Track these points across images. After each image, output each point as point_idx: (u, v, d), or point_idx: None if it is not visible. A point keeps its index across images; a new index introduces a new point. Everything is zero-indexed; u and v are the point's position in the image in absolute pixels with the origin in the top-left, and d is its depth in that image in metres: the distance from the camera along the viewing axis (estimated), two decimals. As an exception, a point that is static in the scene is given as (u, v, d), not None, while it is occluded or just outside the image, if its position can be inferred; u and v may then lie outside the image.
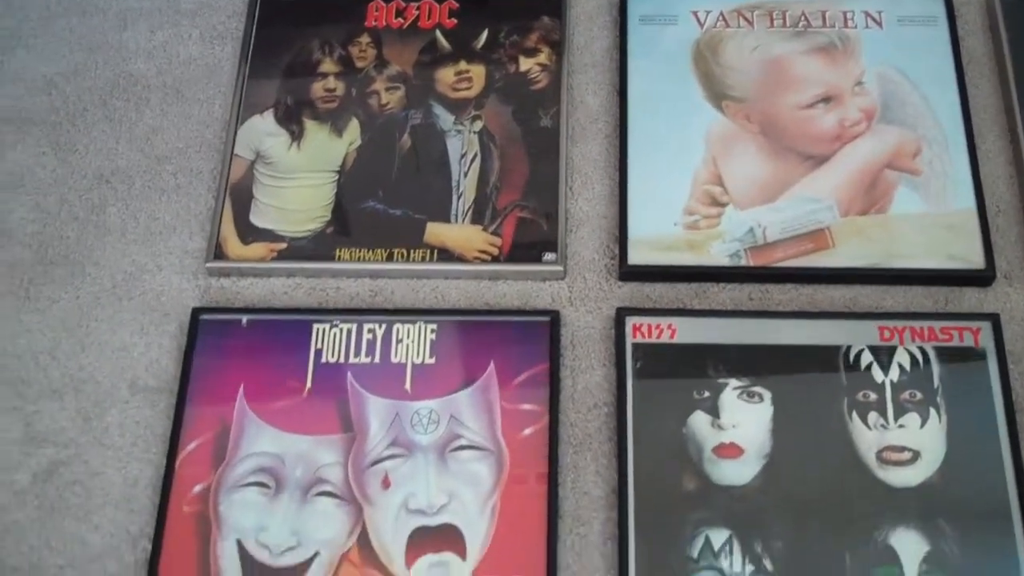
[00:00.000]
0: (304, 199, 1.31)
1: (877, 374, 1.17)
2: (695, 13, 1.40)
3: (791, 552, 1.10)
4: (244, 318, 1.25)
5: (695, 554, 1.10)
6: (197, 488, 1.16)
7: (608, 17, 1.43)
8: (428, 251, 1.28)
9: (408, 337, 1.23)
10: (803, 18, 1.38)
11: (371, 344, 1.22)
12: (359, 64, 1.39)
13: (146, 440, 1.20)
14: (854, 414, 1.16)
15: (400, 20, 1.42)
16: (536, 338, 1.22)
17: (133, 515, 1.17)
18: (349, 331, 1.24)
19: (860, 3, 1.39)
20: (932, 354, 1.19)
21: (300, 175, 1.33)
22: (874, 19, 1.38)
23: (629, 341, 1.21)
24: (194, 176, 1.36)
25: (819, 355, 1.19)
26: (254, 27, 1.43)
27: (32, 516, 1.17)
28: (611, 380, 1.21)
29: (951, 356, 1.18)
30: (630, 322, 1.22)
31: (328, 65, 1.39)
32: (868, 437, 1.15)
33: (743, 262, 1.24)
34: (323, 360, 1.22)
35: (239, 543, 1.14)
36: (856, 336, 1.20)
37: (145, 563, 1.14)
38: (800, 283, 1.25)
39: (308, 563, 1.12)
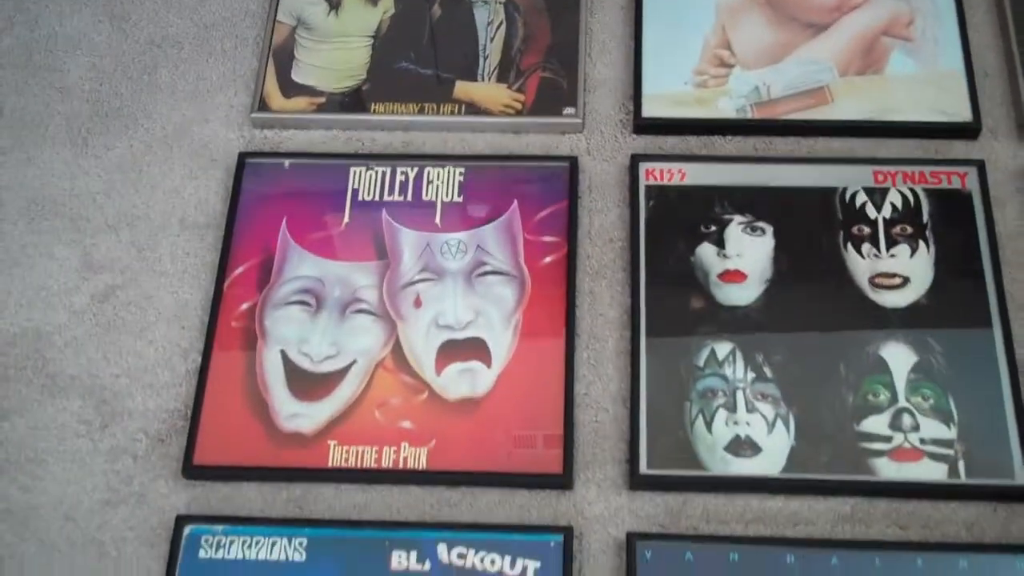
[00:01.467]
0: (342, 59, 1.42)
1: (871, 211, 1.28)
2: None
3: (789, 362, 1.20)
4: (287, 162, 1.35)
5: (701, 363, 1.20)
6: (244, 306, 1.27)
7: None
8: (456, 105, 1.38)
9: (438, 179, 1.33)
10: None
11: (404, 185, 1.33)
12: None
13: (195, 268, 1.31)
14: (849, 245, 1.26)
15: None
16: (556, 181, 1.32)
17: (184, 331, 1.27)
18: (384, 173, 1.34)
19: None
20: (922, 195, 1.29)
21: (337, 39, 1.43)
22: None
23: (642, 183, 1.31)
24: (239, 42, 1.47)
25: (818, 195, 1.29)
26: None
27: (90, 332, 1.28)
28: (625, 219, 1.31)
29: (940, 197, 1.29)
30: (643, 167, 1.32)
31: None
32: (862, 265, 1.25)
33: (749, 115, 1.35)
34: (360, 198, 1.32)
35: (283, 353, 1.24)
36: (852, 179, 1.30)
37: (196, 372, 1.23)
38: (801, 135, 1.35)
39: (346, 370, 1.22)
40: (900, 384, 1.17)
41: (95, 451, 1.20)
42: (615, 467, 1.17)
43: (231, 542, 1.13)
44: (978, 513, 1.13)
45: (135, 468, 1.19)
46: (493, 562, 1.11)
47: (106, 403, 1.22)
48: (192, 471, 1.17)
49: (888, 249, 1.25)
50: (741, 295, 1.23)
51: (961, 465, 1.13)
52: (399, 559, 1.11)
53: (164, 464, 1.19)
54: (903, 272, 1.24)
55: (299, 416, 1.19)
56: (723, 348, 1.20)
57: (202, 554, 1.12)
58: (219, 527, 1.14)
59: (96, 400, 1.22)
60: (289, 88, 1.40)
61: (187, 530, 1.14)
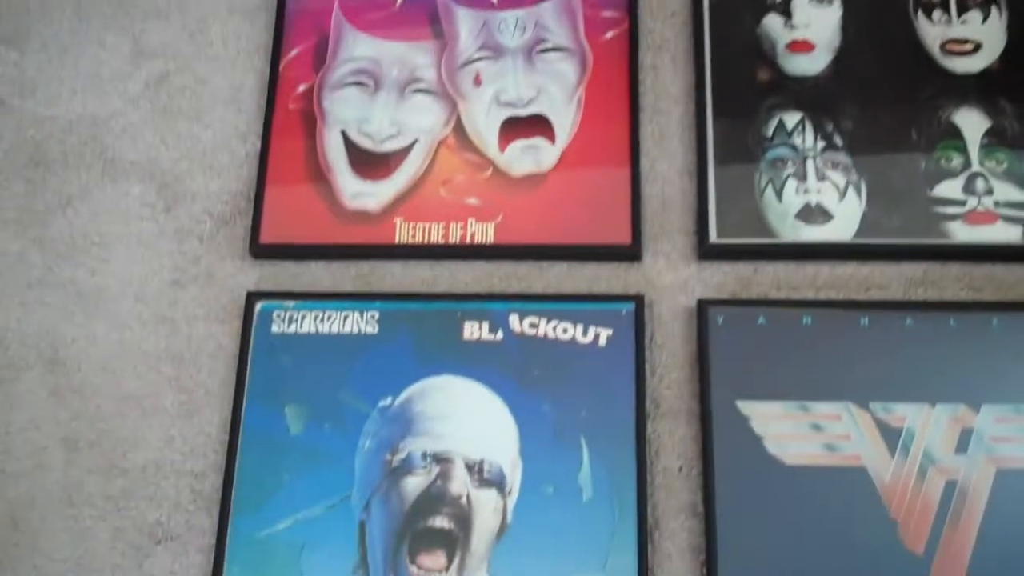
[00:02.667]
0: None
1: (941, -23, 1.23)
2: None
3: (860, 130, 1.17)
4: (336, -59, 1.31)
5: (769, 134, 1.18)
6: (301, 88, 1.24)
7: None
8: None
9: (493, -44, 1.29)
10: None
11: (458, -38, 1.29)
12: None
13: (248, 51, 1.28)
14: (919, 12, 1.22)
15: None
16: (615, -44, 1.28)
17: (241, 115, 1.25)
18: (437, -50, 1.30)
19: None
20: (994, -38, 1.24)
21: None
22: None
23: (704, -45, 1.26)
24: None
25: (886, -37, 1.25)
26: None
27: (146, 118, 1.26)
28: (687, -7, 1.27)
29: (1012, -37, 1.24)
30: (705, -62, 1.27)
31: None
32: (932, 31, 1.21)
33: None
34: (413, -23, 1.28)
35: (343, 133, 1.22)
36: (922, -55, 1.25)
37: (256, 154, 1.22)
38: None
39: (408, 149, 1.21)
40: (973, 149, 1.15)
41: (160, 233, 1.19)
42: (684, 238, 1.16)
43: (303, 317, 1.13)
44: (1052, 274, 1.11)
45: (201, 249, 1.18)
46: (565, 331, 1.11)
47: (167, 186, 1.21)
48: (259, 250, 1.17)
49: (960, 15, 1.21)
50: (809, 65, 1.21)
51: (1035, 227, 1.12)
52: (471, 329, 1.11)
53: (230, 244, 1.18)
54: (975, 38, 1.20)
55: (363, 195, 1.18)
56: (792, 118, 1.18)
57: (275, 328, 1.13)
58: (290, 303, 1.14)
59: (157, 184, 1.21)
60: None
61: (258, 306, 1.14)
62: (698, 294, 1.13)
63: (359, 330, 1.12)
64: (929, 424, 1.04)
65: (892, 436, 1.04)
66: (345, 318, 1.13)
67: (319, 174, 1.19)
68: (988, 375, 1.05)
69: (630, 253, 1.14)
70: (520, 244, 1.15)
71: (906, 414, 1.04)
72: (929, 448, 1.03)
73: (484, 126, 1.21)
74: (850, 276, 1.12)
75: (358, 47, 1.25)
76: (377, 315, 1.13)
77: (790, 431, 1.05)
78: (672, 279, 1.14)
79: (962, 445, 1.03)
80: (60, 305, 1.17)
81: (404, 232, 1.17)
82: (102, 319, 1.16)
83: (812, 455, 1.04)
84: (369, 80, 1.23)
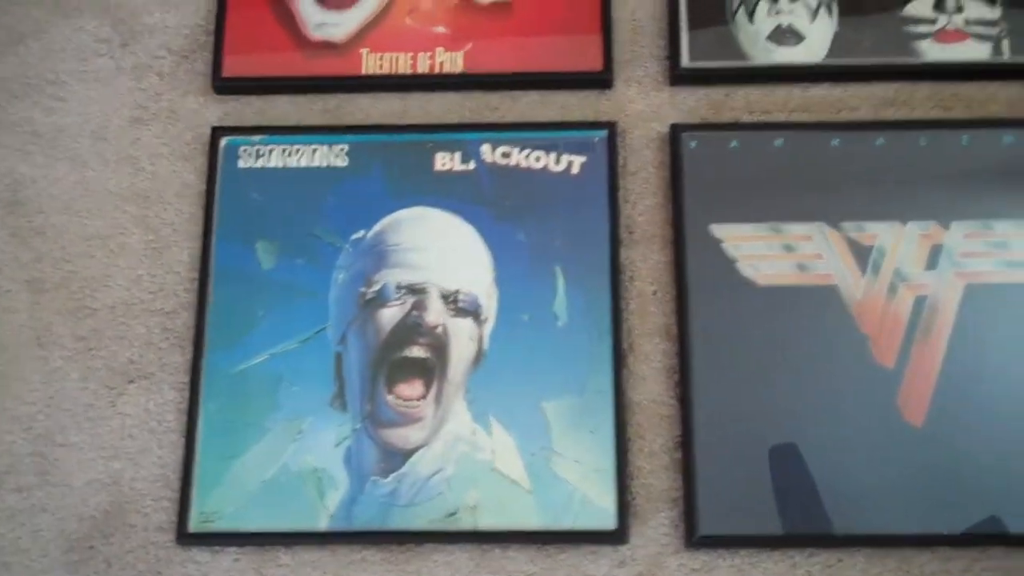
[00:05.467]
0: None
1: None
2: None
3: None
4: None
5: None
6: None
7: None
8: None
9: None
10: None
11: None
12: None
13: None
14: None
15: None
16: None
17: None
18: None
19: None
20: None
21: None
22: None
23: None
24: None
25: None
26: None
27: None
28: None
29: None
30: None
31: None
32: None
33: None
34: None
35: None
36: None
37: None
38: None
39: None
40: (945, -34, 1.13)
41: (117, 69, 1.16)
42: (656, 64, 1.15)
43: (270, 151, 1.11)
44: (1021, 92, 1.11)
45: (162, 85, 1.16)
46: (538, 159, 1.10)
47: (123, 21, 1.18)
48: (222, 84, 1.14)
49: None
50: None
51: (1005, 44, 1.12)
52: (443, 160, 1.10)
53: (192, 80, 1.16)
54: None
55: (327, 25, 1.16)
56: None
57: (241, 164, 1.11)
58: (256, 137, 1.12)
59: (112, 19, 1.18)
60: None
61: (223, 142, 1.12)
62: (671, 120, 1.12)
63: (328, 163, 1.11)
64: (900, 242, 1.05)
65: (863, 254, 1.05)
66: (314, 151, 1.11)
67: (281, 5, 1.16)
68: (958, 192, 1.06)
69: (602, 80, 1.13)
70: (490, 72, 1.14)
71: (877, 232, 1.05)
72: (900, 265, 1.04)
73: None
74: (822, 98, 1.12)
75: None
76: (346, 148, 1.11)
77: (762, 252, 1.05)
78: (645, 105, 1.13)
79: (932, 261, 1.04)
80: (17, 146, 1.14)
81: (371, 63, 1.14)
82: (62, 159, 1.13)
83: (784, 275, 1.05)
84: None
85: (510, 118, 1.12)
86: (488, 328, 1.04)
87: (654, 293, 1.06)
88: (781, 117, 1.11)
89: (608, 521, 0.99)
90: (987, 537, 0.98)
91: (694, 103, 1.12)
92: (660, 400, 1.03)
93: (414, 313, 1.04)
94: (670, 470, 1.01)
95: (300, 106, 1.14)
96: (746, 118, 1.11)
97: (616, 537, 0.98)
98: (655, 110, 1.12)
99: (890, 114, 1.11)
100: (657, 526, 1.00)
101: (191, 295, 1.08)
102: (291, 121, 1.13)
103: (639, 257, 1.08)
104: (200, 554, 1.00)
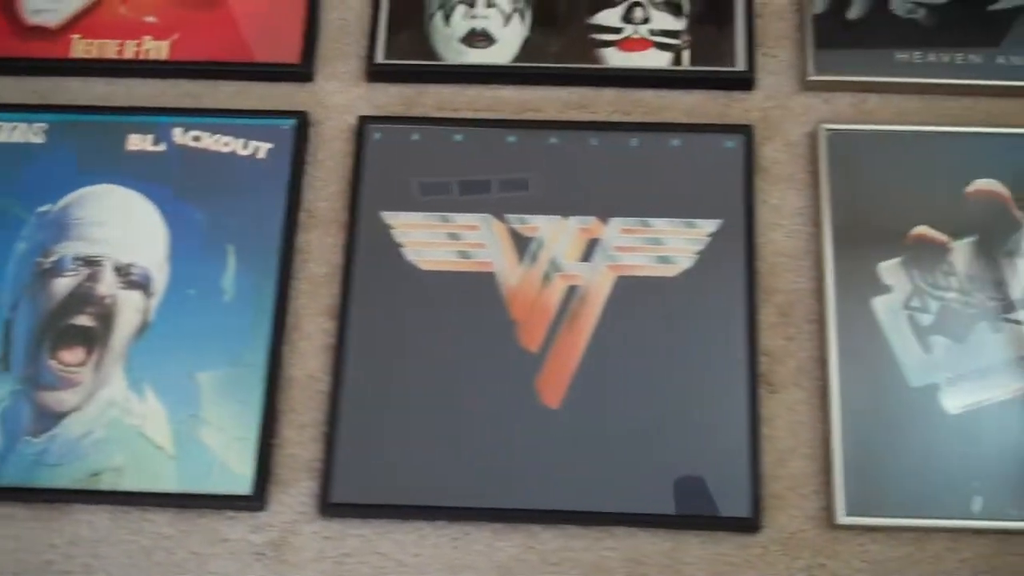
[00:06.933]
0: None
1: None
2: None
3: (533, -39, 1.20)
4: None
5: (447, -38, 1.21)
6: (-8, -93, 1.24)
7: None
8: None
9: None
10: None
11: None
12: None
13: None
14: None
15: None
16: None
17: (-67, -66, 1.25)
18: None
19: None
20: None
21: None
22: None
23: None
24: None
25: None
26: None
27: None
28: None
29: None
30: None
31: None
32: None
33: None
34: None
35: (30, -48, 1.22)
36: None
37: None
38: None
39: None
40: (634, -23, 1.18)
41: None
42: (357, 62, 1.19)
43: (-31, 137, 1.15)
44: (698, 100, 1.16)
45: None
46: (227, 144, 1.14)
47: None
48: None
49: None
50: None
51: (686, 55, 1.16)
52: (135, 141, 1.14)
53: (-93, 58, 1.19)
54: None
55: (45, 11, 1.21)
56: (468, -56, 1.20)
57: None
58: (-44, 132, 1.15)
59: None
60: None
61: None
62: (363, 113, 1.16)
63: (26, 140, 1.14)
64: (560, 234, 1.09)
65: (523, 244, 1.09)
66: (13, 128, 1.15)
67: (6, -9, 1.20)
68: (623, 190, 1.11)
69: (301, 73, 1.17)
70: (192, 61, 1.18)
71: (539, 224, 1.09)
72: (556, 256, 1.08)
73: (163, -55, 1.22)
74: (509, 99, 1.17)
75: None
76: (45, 127, 1.15)
77: (428, 239, 1.09)
78: (342, 99, 1.18)
79: (587, 254, 1.08)
80: None
81: (80, 48, 1.19)
82: None
83: (447, 261, 1.08)
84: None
85: (210, 105, 1.16)
86: (155, 301, 1.07)
87: (325, 274, 1.10)
88: (468, 115, 1.15)
89: (245, 487, 1.01)
90: (611, 516, 1.00)
91: (387, 99, 1.17)
92: (317, 376, 1.06)
93: (86, 284, 1.08)
94: (319, 442, 1.04)
95: (11, 87, 1.18)
96: (434, 115, 1.15)
97: (253, 503, 1.01)
98: (350, 104, 1.17)
99: (572, 117, 1.15)
100: (297, 495, 1.03)
101: None
102: (4, 100, 1.17)
103: (316, 240, 1.11)
104: None
